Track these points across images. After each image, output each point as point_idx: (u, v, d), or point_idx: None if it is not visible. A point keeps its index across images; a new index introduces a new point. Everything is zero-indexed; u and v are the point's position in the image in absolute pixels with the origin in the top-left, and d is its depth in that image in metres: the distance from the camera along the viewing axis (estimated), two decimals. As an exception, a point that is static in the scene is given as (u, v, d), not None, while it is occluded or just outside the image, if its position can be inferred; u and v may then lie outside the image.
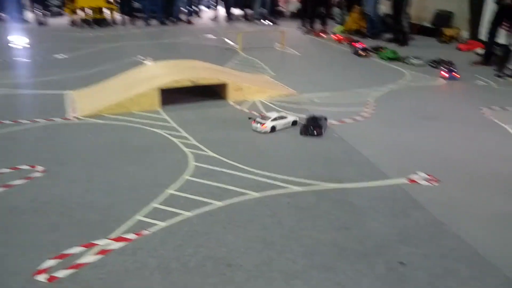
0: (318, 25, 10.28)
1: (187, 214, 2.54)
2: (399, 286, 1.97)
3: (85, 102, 4.59)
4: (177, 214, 2.54)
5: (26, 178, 2.95)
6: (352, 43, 7.80)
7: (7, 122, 3.99)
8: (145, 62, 6.49)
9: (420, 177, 2.98)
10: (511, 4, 5.78)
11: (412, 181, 2.94)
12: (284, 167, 3.14)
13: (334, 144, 3.59)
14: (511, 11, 5.62)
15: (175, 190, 2.81)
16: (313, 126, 3.77)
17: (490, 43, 6.52)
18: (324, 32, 9.75)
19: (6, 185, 2.85)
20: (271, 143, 3.62)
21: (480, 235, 2.34)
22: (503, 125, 3.93)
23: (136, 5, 11.51)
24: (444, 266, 2.10)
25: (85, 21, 10.51)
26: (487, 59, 6.49)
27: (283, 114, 4.05)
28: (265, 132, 3.80)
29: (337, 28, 10.08)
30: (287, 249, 2.23)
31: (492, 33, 6.42)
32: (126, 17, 11.35)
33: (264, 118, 3.90)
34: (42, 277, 2.01)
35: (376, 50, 7.39)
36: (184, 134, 3.78)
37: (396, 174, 3.02)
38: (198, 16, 12.90)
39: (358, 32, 9.47)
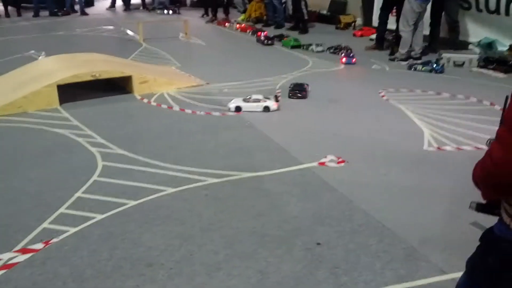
0: (221, 14, 10.27)
1: (99, 216, 2.41)
2: (318, 266, 2.05)
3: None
4: (88, 218, 2.40)
5: None
6: (257, 32, 7.90)
7: None
8: (38, 57, 6.00)
9: (329, 160, 3.12)
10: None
11: (322, 164, 3.07)
12: (198, 159, 3.11)
13: (247, 133, 3.62)
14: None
15: (84, 193, 2.66)
16: (299, 90, 4.43)
17: (382, 29, 6.99)
18: (227, 21, 9.76)
19: None
20: (184, 135, 3.56)
21: (385, 209, 2.51)
22: (398, 105, 4.25)
23: (23, -6, 10.62)
24: (357, 242, 2.23)
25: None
26: (380, 44, 6.96)
27: (262, 98, 4.15)
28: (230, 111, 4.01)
29: (241, 17, 10.16)
30: (207, 241, 2.22)
31: (383, 19, 6.89)
32: (11, 8, 10.38)
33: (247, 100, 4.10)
34: None
35: (280, 38, 7.58)
36: (89, 132, 3.58)
37: (307, 159, 3.13)
38: (93, 5, 12.23)
39: (260, 21, 9.63)
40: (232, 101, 4.11)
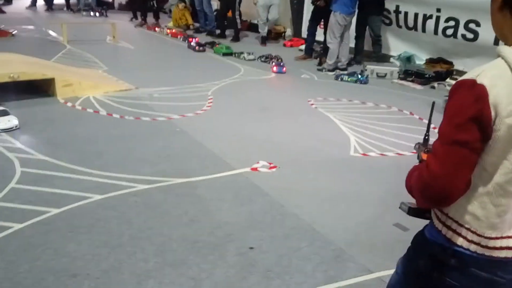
0: (150, 19, 10.07)
1: (18, 226, 2.24)
2: (250, 270, 2.05)
3: None
4: (4, 227, 2.22)
5: None
6: (189, 38, 7.84)
7: None
8: None
9: (261, 165, 3.15)
10: (324, 6, 6.48)
11: (254, 169, 3.10)
12: (127, 166, 3.00)
13: (177, 139, 3.56)
14: (326, 12, 6.30)
15: (0, 201, 2.46)
16: None
17: (310, 40, 7.23)
18: (157, 26, 9.60)
19: None
20: (111, 141, 3.43)
21: (315, 213, 2.58)
22: (326, 113, 4.40)
23: None
24: (288, 245, 2.26)
25: None
26: (309, 54, 7.19)
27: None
28: None
29: (171, 22, 10.04)
30: (137, 249, 2.14)
31: (311, 31, 7.13)
32: None
33: None
34: None
35: (212, 45, 7.57)
36: (5, 137, 3.33)
37: (240, 164, 3.14)
38: (11, 3, 11.48)
39: (188, 27, 9.60)
40: None
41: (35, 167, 2.88)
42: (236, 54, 7.01)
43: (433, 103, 1.37)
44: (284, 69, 6.10)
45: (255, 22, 9.92)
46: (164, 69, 6.03)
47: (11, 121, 3.50)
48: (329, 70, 6.28)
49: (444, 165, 0.94)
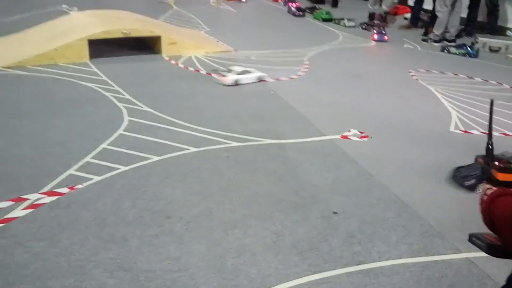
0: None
1: (123, 168, 2.48)
2: (333, 234, 2.07)
3: (5, 52, 4.23)
4: (112, 168, 2.47)
5: None
6: (289, 3, 7.78)
7: None
8: (70, 11, 6.05)
9: (352, 134, 3.11)
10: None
11: (345, 137, 3.06)
12: (222, 123, 3.14)
13: (271, 101, 3.62)
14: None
15: (109, 145, 2.72)
16: None
17: (417, 8, 6.79)
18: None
19: None
20: (209, 98, 3.59)
21: (405, 185, 2.50)
22: (427, 86, 4.17)
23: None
24: (373, 214, 2.24)
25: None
26: (414, 23, 6.78)
27: (248, 69, 4.05)
28: (226, 85, 3.81)
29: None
30: (226, 200, 2.26)
31: (419, -2, 6.69)
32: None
33: (229, 71, 3.91)
34: (-34, 234, 1.89)
35: (312, 10, 7.45)
36: (117, 88, 3.63)
37: (331, 131, 3.12)
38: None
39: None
40: (229, 75, 3.96)
41: (140, 117, 3.12)
42: (336, 20, 6.83)
43: (492, 101, 1.06)
44: (386, 37, 5.84)
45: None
46: (262, 33, 6.08)
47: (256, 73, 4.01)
48: (435, 41, 5.88)
49: None
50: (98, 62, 4.19)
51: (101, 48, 4.30)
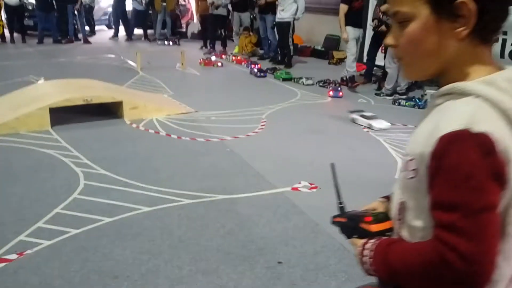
0: (219, 47, 10.59)
1: (74, 231, 2.53)
2: (276, 283, 2.15)
3: (-35, 123, 4.31)
4: (63, 232, 2.52)
5: None
6: (251, 64, 8.17)
7: None
8: (37, 81, 6.23)
9: (302, 185, 3.25)
10: (386, 31, 6.49)
11: (295, 189, 3.20)
12: (177, 181, 3.24)
13: (226, 158, 3.77)
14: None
15: (63, 209, 2.78)
16: None
17: (370, 65, 7.24)
18: (224, 53, 10.07)
19: None
20: (166, 159, 3.71)
21: (349, 233, 2.62)
22: (377, 137, 4.40)
23: (28, 22, 10.96)
24: (317, 262, 2.33)
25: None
26: (368, 79, 7.19)
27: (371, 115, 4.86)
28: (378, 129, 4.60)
29: (235, 49, 10.49)
30: (174, 257, 2.33)
31: (372, 55, 7.15)
32: (16, 34, 10.75)
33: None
34: None
35: (273, 71, 7.82)
36: (76, 153, 3.72)
37: (282, 184, 3.26)
38: (94, 34, 12.64)
39: (254, 54, 9.99)
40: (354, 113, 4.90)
41: (96, 181, 3.20)
42: (295, 79, 7.19)
43: (333, 164, 1.11)
44: (341, 93, 6.16)
45: (318, 48, 10.12)
46: (224, 94, 6.34)
47: (382, 123, 4.69)
48: (387, 95, 6.24)
49: (483, 241, 0.74)
50: (60, 129, 4.30)
51: (64, 115, 4.43)
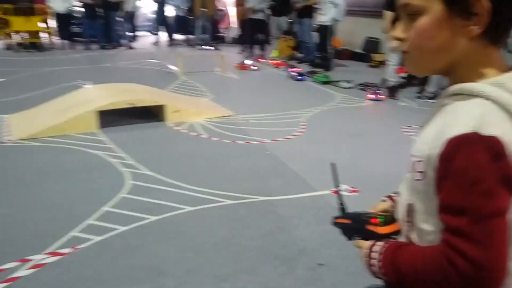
0: (257, 51, 10.68)
1: (122, 228, 2.64)
2: (316, 284, 2.18)
3: (21, 125, 4.56)
4: (112, 229, 2.63)
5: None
6: (289, 68, 8.20)
7: None
8: (84, 86, 6.50)
9: (343, 189, 3.25)
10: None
11: (335, 192, 3.20)
12: (218, 183, 3.32)
13: (266, 161, 3.81)
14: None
15: (111, 207, 2.90)
16: None
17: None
18: (263, 57, 10.15)
19: None
20: (208, 161, 3.80)
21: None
22: (418, 141, 4.33)
23: (76, 29, 11.44)
24: (358, 265, 2.32)
25: (20, 45, 10.31)
26: (409, 82, 7.07)
27: None
28: None
29: (274, 53, 10.55)
30: (217, 255, 2.40)
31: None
32: (65, 41, 11.24)
33: None
34: (-28, 293, 2.04)
35: (312, 74, 7.83)
36: (122, 154, 3.87)
37: (322, 187, 3.28)
38: (137, 40, 13.02)
39: (292, 58, 10.00)
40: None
41: (142, 181, 3.33)
42: (334, 83, 7.16)
43: (333, 165, 1.10)
44: (381, 96, 6.10)
45: (358, 51, 10.04)
46: (263, 97, 6.40)
47: None
48: (429, 98, 6.12)
49: (492, 247, 0.72)
50: (107, 131, 4.48)
51: (109, 118, 4.61)
